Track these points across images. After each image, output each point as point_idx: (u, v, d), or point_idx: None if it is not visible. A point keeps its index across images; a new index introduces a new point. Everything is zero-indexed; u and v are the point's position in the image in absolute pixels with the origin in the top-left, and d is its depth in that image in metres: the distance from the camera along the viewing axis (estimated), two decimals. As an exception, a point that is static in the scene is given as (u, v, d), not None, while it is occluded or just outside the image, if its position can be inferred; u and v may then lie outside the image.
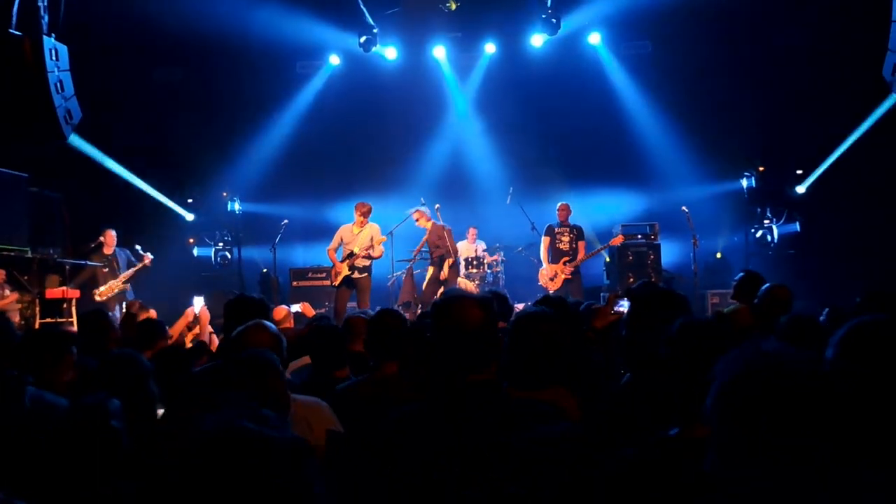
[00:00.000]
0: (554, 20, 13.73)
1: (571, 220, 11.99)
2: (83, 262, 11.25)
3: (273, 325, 3.63)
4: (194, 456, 1.36)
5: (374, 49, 14.28)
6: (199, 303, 7.47)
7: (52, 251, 11.16)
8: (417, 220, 11.62)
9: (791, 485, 1.49)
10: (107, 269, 11.20)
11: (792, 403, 1.51)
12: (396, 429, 2.46)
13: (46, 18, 8.05)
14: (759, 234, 13.80)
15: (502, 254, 13.28)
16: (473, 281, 12.35)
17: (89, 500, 2.30)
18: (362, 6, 13.64)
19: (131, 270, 11.27)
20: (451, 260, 11.42)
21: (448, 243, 11.40)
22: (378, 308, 5.03)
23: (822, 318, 4.97)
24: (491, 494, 2.23)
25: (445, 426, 2.38)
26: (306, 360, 4.90)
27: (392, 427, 2.46)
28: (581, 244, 11.84)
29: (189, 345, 6.95)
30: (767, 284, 5.63)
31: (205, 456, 1.35)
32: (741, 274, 6.46)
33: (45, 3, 8.46)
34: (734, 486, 1.55)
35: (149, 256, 11.41)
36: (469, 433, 2.32)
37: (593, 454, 2.43)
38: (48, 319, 10.33)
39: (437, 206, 12.01)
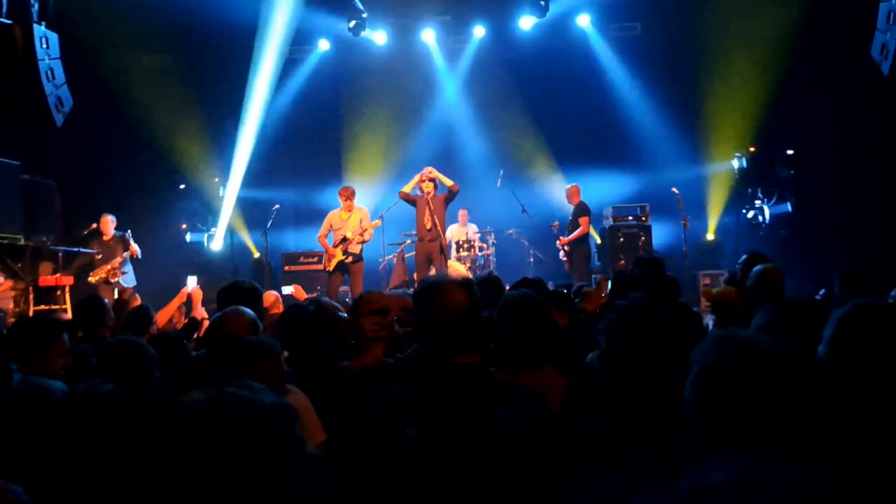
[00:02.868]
0: (543, 2, 13.71)
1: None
2: (76, 249, 11.22)
3: (251, 312, 3.63)
4: (187, 425, 1.41)
5: (363, 33, 14.27)
6: (192, 282, 7.47)
7: (45, 238, 11.12)
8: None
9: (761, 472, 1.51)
10: (101, 256, 11.17)
11: (767, 390, 1.50)
12: (380, 412, 2.45)
13: (36, 7, 8.02)
14: (750, 214, 13.83)
15: (493, 236, 13.30)
16: (465, 264, 12.36)
17: (83, 478, 2.35)
18: (351, -10, 13.63)
19: (119, 258, 11.15)
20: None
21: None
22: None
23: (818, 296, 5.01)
24: (472, 479, 2.26)
25: (428, 409, 2.37)
26: None
27: (376, 411, 2.45)
28: (582, 220, 11.98)
29: (183, 321, 6.96)
30: (759, 266, 5.65)
31: (197, 423, 1.40)
32: (745, 256, 6.47)
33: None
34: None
35: (135, 248, 11.22)
36: (452, 416, 2.32)
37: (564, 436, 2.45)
38: (42, 307, 10.32)
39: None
